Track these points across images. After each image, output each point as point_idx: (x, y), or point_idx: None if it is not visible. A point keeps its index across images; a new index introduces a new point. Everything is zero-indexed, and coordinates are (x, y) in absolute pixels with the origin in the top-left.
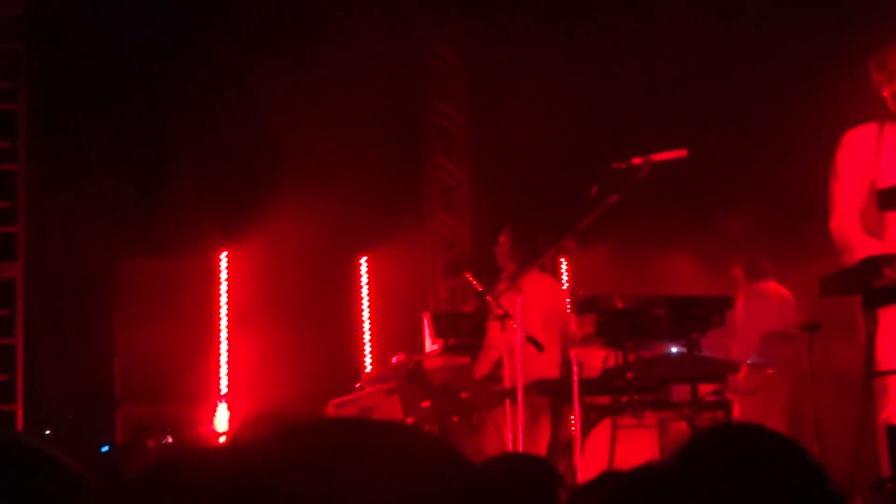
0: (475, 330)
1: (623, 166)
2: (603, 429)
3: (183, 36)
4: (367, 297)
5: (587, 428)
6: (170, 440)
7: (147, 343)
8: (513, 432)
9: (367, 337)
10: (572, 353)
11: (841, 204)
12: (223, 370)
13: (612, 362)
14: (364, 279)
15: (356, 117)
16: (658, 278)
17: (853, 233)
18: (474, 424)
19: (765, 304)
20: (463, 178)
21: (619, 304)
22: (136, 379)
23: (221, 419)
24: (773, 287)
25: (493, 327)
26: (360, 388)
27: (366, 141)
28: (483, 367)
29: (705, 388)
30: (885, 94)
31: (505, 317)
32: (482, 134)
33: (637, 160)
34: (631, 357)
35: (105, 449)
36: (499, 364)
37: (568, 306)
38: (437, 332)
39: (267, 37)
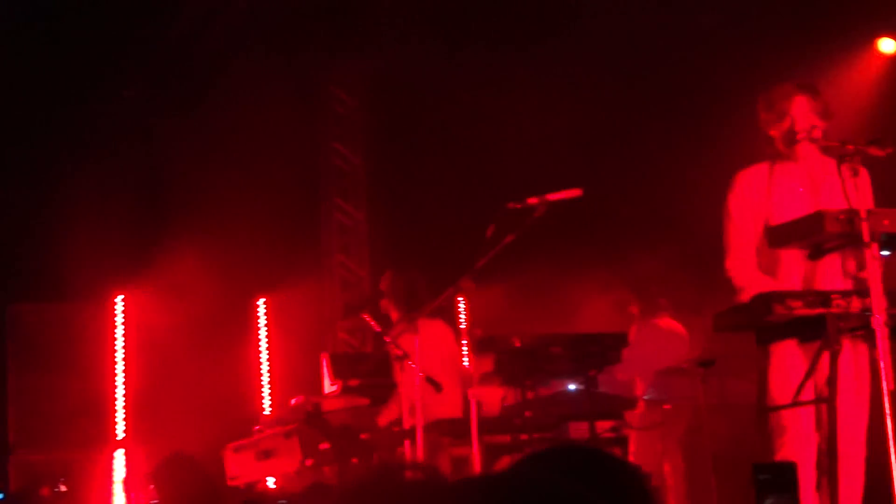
0: (375, 371)
1: (519, 206)
2: (503, 467)
3: (80, 78)
4: (266, 339)
5: (487, 467)
6: (64, 488)
7: (41, 389)
8: None
9: (265, 379)
10: (470, 393)
11: (735, 244)
12: (119, 415)
13: (510, 401)
14: (262, 321)
15: (253, 159)
16: (560, 316)
17: (746, 271)
18: (374, 465)
19: (653, 339)
20: (361, 218)
21: (517, 343)
22: (30, 425)
23: (118, 465)
24: (665, 323)
25: (398, 370)
26: (259, 431)
27: (263, 182)
28: (392, 413)
29: (603, 425)
30: (774, 133)
31: (403, 357)
32: (380, 174)
33: (532, 200)
34: (529, 395)
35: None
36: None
37: (464, 346)
38: (336, 374)
39: (163, 79)
